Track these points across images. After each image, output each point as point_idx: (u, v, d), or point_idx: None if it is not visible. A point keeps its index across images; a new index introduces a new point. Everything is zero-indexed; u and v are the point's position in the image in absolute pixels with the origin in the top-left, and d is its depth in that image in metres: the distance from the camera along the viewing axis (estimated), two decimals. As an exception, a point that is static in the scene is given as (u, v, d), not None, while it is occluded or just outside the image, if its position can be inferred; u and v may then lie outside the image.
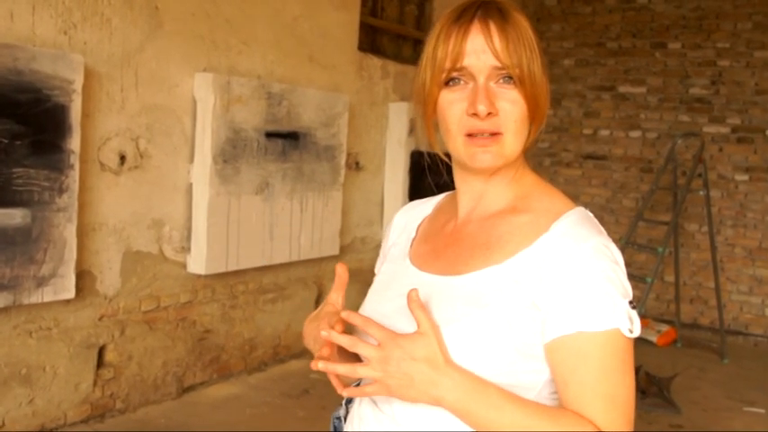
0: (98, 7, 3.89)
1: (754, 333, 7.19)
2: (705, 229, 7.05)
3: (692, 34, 7.42)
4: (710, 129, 7.33)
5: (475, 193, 1.30)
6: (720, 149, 7.32)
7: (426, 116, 1.27)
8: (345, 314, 1.13)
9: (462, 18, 1.21)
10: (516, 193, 1.27)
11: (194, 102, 4.48)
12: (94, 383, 4.09)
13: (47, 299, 3.67)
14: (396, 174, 6.27)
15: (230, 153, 4.57)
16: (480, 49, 1.18)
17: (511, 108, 1.19)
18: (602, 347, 1.09)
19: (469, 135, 1.21)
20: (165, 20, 4.26)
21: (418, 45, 6.96)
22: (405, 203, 6.00)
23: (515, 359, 1.12)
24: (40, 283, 3.61)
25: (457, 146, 1.23)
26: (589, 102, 7.95)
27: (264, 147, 4.84)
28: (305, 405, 4.64)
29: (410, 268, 1.31)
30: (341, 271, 1.31)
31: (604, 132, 7.90)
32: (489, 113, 1.18)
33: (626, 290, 1.13)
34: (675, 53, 7.50)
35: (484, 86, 1.18)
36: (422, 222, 1.42)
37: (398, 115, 6.24)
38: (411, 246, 1.37)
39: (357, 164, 5.99)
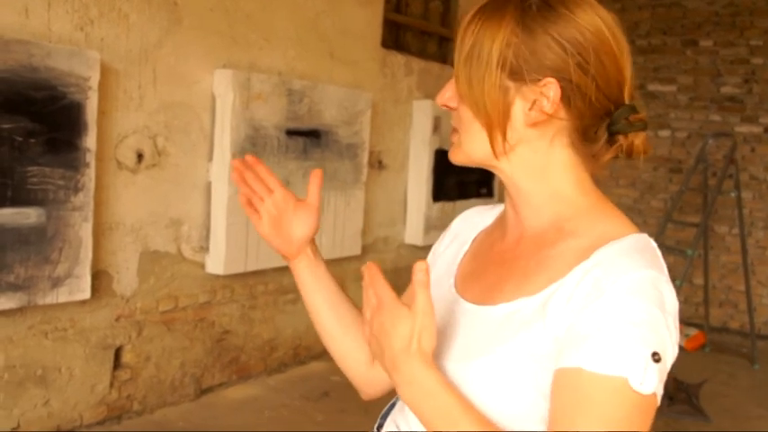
0: (115, 3, 3.83)
1: (786, 338, 7.04)
2: (736, 231, 6.90)
3: (725, 31, 7.26)
4: (742, 128, 7.18)
5: (511, 208, 1.18)
6: (752, 150, 7.17)
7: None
8: (365, 267, 1.04)
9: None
10: (558, 211, 1.11)
11: (213, 99, 4.41)
12: (111, 385, 4.04)
13: (62, 299, 3.61)
14: (419, 173, 6.18)
15: (250, 151, 4.49)
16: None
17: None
18: (604, 394, 0.93)
19: None
20: (183, 15, 4.19)
21: (443, 42, 6.86)
22: (429, 203, 5.92)
23: (537, 401, 1.01)
24: (56, 283, 3.55)
25: None
26: (617, 100, 7.80)
27: (285, 145, 4.76)
28: (324, 408, 4.56)
29: (451, 291, 1.20)
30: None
31: (633, 131, 7.74)
32: (448, 107, 1.14)
33: (658, 339, 0.96)
34: (707, 51, 7.34)
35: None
36: (479, 234, 1.30)
37: (422, 113, 6.14)
38: (460, 262, 1.26)
39: (380, 162, 5.90)
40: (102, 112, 3.73)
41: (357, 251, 5.55)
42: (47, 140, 3.43)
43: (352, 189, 5.41)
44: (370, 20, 5.66)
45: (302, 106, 4.86)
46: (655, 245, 1.06)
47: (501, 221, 1.24)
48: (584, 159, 1.11)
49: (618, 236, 1.04)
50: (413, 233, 6.22)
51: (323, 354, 5.41)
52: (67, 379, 3.82)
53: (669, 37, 7.53)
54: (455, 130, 1.13)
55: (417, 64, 6.22)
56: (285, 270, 4.98)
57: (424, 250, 6.42)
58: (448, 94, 1.13)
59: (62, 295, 3.60)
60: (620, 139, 1.08)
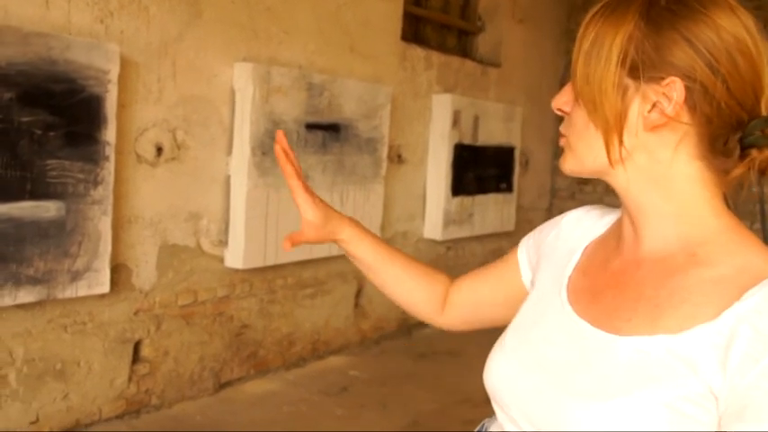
0: (135, -5, 3.81)
1: (810, 335, 6.94)
2: (757, 226, 6.79)
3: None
4: (766, 122, 7.08)
5: (629, 225, 1.08)
6: (776, 144, 7.07)
7: None
8: None
9: None
10: (688, 234, 1.01)
11: (233, 92, 4.38)
12: (130, 379, 4.03)
13: (81, 293, 3.60)
14: (439, 167, 6.13)
15: (269, 145, 4.47)
16: None
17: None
18: None
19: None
20: (203, 8, 4.16)
21: (463, 35, 6.82)
22: (448, 197, 5.85)
23: None
24: (75, 276, 3.55)
25: None
26: (639, 94, 7.73)
27: (304, 139, 4.74)
28: (343, 403, 4.54)
29: (565, 308, 1.09)
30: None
31: (654, 126, 7.67)
32: (562, 111, 1.06)
33: None
34: (730, 44, 7.24)
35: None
36: (590, 243, 1.19)
37: (442, 107, 6.09)
38: (571, 275, 1.15)
39: (399, 157, 5.87)
40: (121, 106, 3.71)
41: (376, 246, 5.50)
42: (66, 134, 3.42)
43: (372, 183, 5.38)
44: (391, 13, 5.62)
45: (322, 100, 4.83)
46: None
47: (616, 233, 1.14)
48: (716, 175, 1.00)
49: (767, 271, 0.93)
50: (432, 228, 6.19)
51: (341, 348, 5.40)
52: (86, 373, 3.82)
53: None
54: (562, 135, 1.07)
55: (437, 58, 6.17)
56: (304, 264, 4.98)
57: (443, 245, 6.39)
58: (564, 99, 1.05)
59: (81, 289, 3.59)
60: (754, 153, 0.98)
